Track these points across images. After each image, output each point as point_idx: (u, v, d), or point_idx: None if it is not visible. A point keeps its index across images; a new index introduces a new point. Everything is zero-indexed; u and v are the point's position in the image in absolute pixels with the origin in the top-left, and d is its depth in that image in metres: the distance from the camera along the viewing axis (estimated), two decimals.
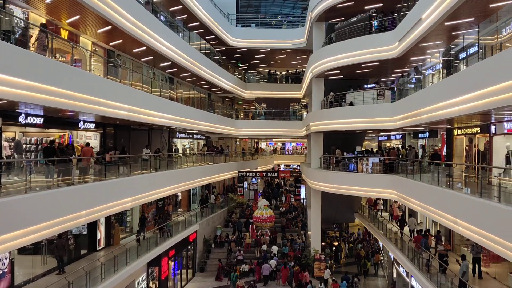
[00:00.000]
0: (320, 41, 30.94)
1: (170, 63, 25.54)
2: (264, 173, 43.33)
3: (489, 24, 15.62)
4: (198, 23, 31.06)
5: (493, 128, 17.87)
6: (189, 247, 29.81)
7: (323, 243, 32.41)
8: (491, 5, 14.70)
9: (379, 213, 31.77)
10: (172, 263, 26.39)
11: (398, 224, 26.83)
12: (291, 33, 40.54)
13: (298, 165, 56.51)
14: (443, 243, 20.10)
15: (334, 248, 33.53)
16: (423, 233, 21.57)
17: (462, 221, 13.56)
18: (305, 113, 43.89)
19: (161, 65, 26.49)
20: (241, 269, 29.53)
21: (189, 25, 31.29)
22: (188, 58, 26.98)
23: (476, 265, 17.61)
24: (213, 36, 34.97)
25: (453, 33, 18.07)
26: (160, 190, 22.05)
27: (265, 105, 50.07)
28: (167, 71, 28.63)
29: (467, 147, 20.80)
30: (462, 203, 13.86)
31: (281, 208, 39.52)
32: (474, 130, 19.62)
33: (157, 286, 24.25)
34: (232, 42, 38.42)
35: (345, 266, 32.37)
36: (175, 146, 31.92)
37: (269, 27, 44.16)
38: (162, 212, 28.31)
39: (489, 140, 18.40)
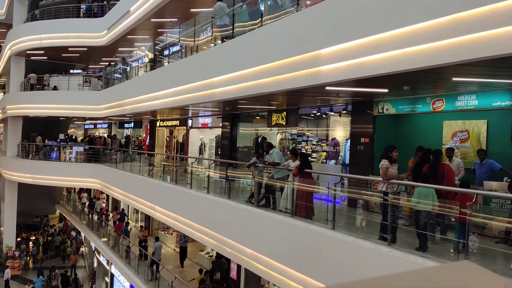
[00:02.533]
0: (22, 16, 27.74)
1: None
2: None
3: (190, 26, 17.17)
4: None
5: (190, 122, 19.79)
6: None
7: (18, 239, 29.36)
8: (191, 9, 16.17)
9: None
10: None
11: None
12: None
13: None
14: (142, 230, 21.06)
15: (31, 243, 30.78)
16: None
17: (159, 207, 14.52)
18: (1, 94, 38.75)
19: None
20: None
21: None
22: None
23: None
24: None
25: (159, 30, 19.10)
26: None
27: None
28: None
29: (168, 138, 22.41)
30: (159, 190, 14.83)
31: None
32: (174, 122, 21.29)
33: None
34: None
35: (51, 259, 30.09)
36: None
37: None
38: None
39: (186, 133, 20.30)
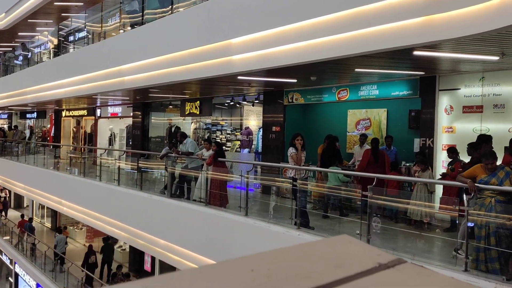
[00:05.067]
0: None
1: None
2: None
3: (98, 12, 16.39)
4: None
5: (98, 112, 18.98)
6: None
7: None
8: None
9: None
10: None
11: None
12: None
13: None
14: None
15: None
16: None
17: (67, 202, 13.84)
18: None
19: None
20: None
21: None
22: None
23: None
24: None
25: (63, 14, 17.98)
26: None
27: None
28: None
29: (75, 129, 21.32)
30: (66, 183, 14.12)
31: None
32: (81, 112, 20.29)
33: None
34: None
35: None
36: None
37: None
38: None
39: (95, 123, 19.45)
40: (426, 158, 7.80)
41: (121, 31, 13.12)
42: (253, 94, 12.82)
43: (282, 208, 7.97)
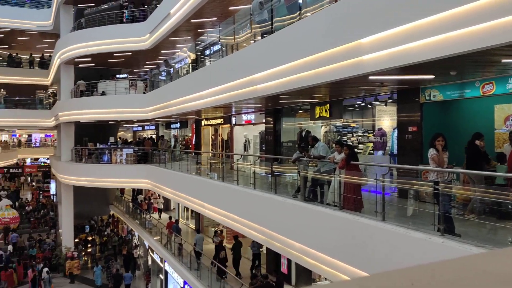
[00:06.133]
0: (68, 25, 28.92)
1: None
2: (5, 169, 38.41)
3: (230, 25, 17.33)
4: None
5: (234, 119, 19.97)
6: None
7: (76, 240, 30.72)
8: (230, 7, 16.28)
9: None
10: None
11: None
12: (36, 14, 36.72)
13: (47, 159, 51.93)
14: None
15: (89, 244, 32.13)
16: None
17: (208, 204, 14.77)
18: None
19: None
20: None
21: None
22: None
23: (256, 261, 16.91)
24: None
25: (199, 30, 19.37)
26: None
27: (5, 92, 44.11)
28: None
29: (213, 137, 22.72)
30: (207, 187, 15.08)
31: (27, 207, 35.74)
32: (219, 121, 21.55)
33: None
34: None
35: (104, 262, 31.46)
36: None
37: (9, 4, 39.00)
38: None
39: (231, 130, 20.51)
40: None
41: (252, 41, 13.65)
42: (385, 93, 12.32)
43: (422, 213, 7.52)
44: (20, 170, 40.12)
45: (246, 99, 12.72)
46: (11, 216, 29.71)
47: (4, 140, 55.92)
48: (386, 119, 14.02)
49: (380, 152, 13.16)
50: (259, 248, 16.86)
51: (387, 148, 13.00)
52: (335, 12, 8.39)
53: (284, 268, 16.13)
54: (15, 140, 62.28)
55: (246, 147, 18.88)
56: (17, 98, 39.95)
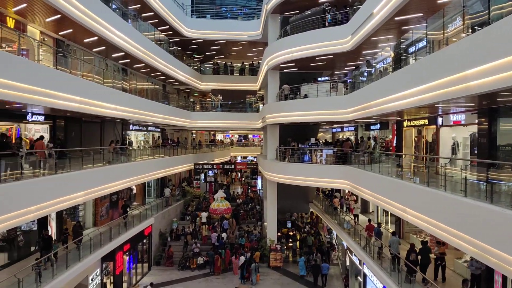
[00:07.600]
0: (275, 33, 31.08)
1: (123, 53, 24.90)
2: (221, 165, 43.29)
3: (437, 19, 16.21)
4: (152, 13, 30.42)
5: (440, 120, 18.61)
6: (144, 241, 29.41)
7: (278, 234, 32.82)
8: (438, 1, 15.23)
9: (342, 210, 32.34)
10: (127, 257, 25.97)
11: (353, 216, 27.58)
12: (247, 25, 40.49)
13: (255, 157, 56.80)
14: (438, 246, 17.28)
15: (290, 239, 34.00)
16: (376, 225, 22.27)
17: (411, 210, 14.08)
18: (261, 105, 44.08)
19: (113, 55, 25.79)
20: (197, 262, 29.48)
21: (142, 15, 30.59)
22: (141, 48, 26.42)
23: (475, 283, 14.98)
24: (168, 26, 34.38)
25: (403, 27, 18.61)
26: (113, 183, 21.59)
27: (221, 97, 49.87)
28: (120, 61, 27.91)
29: (416, 138, 21.58)
30: (410, 192, 14.38)
31: (238, 200, 39.67)
32: (422, 122, 20.36)
33: (112, 280, 23.82)
34: (187, 33, 37.93)
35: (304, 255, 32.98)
36: (129, 138, 31.27)
37: (225, 18, 43.93)
38: (115, 206, 27.83)
39: (436, 132, 19.15)
40: None
41: (463, 35, 12.49)
42: None
43: None
44: (232, 166, 44.67)
45: (455, 98, 11.69)
46: (225, 207, 33.47)
47: (220, 140, 63.34)
48: None
49: None
50: (480, 268, 14.52)
51: None
52: None
53: (497, 286, 14.35)
54: (228, 139, 69.98)
55: (454, 150, 17.37)
56: (230, 102, 44.75)
